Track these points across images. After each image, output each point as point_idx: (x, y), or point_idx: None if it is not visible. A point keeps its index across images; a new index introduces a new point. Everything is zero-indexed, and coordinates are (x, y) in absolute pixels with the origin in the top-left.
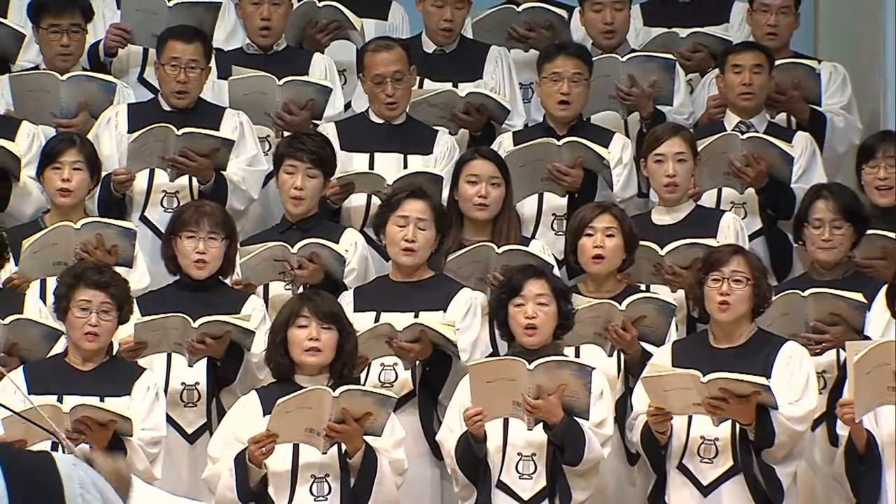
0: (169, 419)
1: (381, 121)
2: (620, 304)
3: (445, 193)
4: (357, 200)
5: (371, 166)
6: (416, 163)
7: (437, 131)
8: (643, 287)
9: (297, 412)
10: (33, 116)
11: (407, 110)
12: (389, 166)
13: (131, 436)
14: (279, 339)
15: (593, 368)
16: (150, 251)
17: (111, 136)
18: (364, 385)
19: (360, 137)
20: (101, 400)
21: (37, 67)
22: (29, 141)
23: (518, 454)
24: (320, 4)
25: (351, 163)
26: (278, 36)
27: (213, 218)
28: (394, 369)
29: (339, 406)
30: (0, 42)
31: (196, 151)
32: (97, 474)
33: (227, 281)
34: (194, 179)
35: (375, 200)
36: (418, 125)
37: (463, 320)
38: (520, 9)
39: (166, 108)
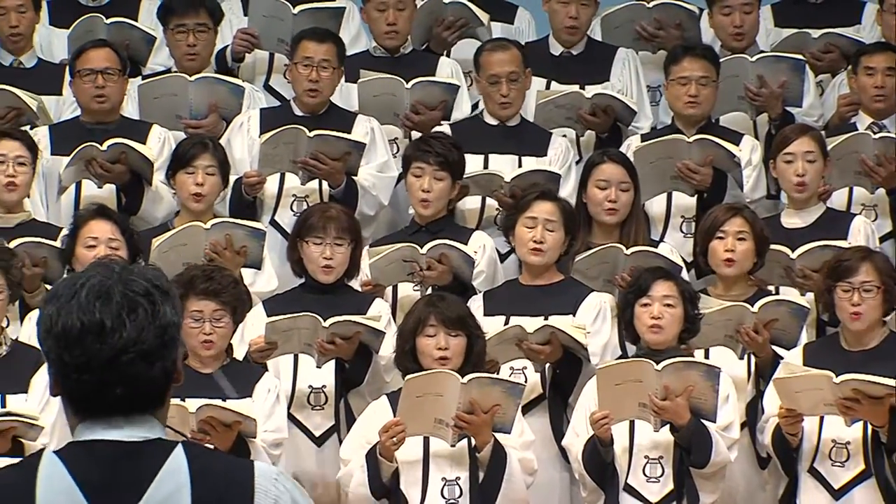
0: (296, 422)
1: (495, 122)
2: (751, 306)
3: (563, 193)
4: (471, 203)
5: (485, 168)
6: (531, 164)
7: (551, 133)
8: (773, 290)
9: (426, 399)
10: (161, 122)
11: (524, 112)
12: (504, 167)
13: (255, 437)
14: (408, 346)
15: (721, 370)
16: (280, 254)
17: (243, 141)
18: None
19: (474, 139)
20: (223, 402)
21: (168, 70)
22: (160, 145)
23: (645, 457)
24: (447, 1)
25: (466, 163)
26: (404, 38)
27: (339, 222)
28: (523, 373)
29: (468, 396)
30: (131, 45)
31: (327, 154)
32: (301, 492)
33: (353, 283)
34: (324, 183)
35: (490, 202)
36: (533, 127)
37: (593, 324)
38: (650, 5)
39: (298, 112)
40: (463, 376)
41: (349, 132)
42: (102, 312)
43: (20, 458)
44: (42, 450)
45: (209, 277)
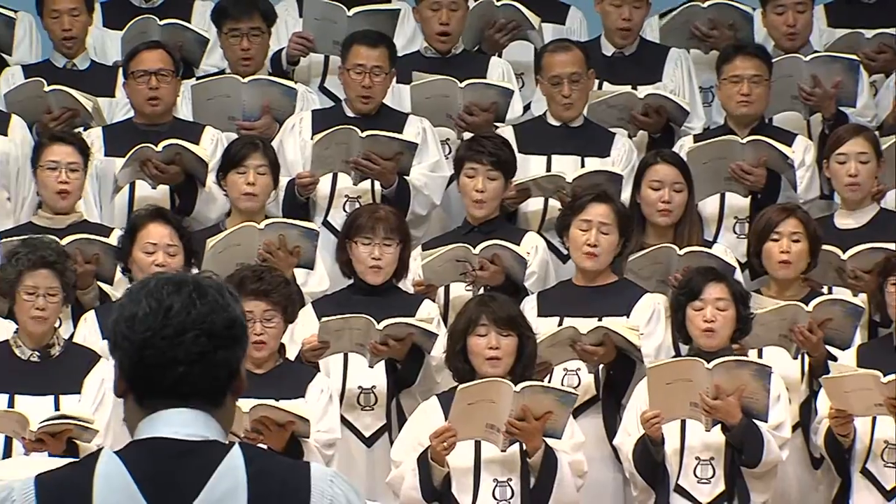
0: (346, 422)
1: (558, 123)
2: (805, 306)
3: (625, 195)
4: (534, 204)
5: (548, 169)
6: (594, 165)
7: (614, 134)
8: (826, 291)
9: (478, 405)
10: (213, 123)
11: (584, 113)
12: (567, 169)
13: (308, 437)
14: (458, 346)
15: (772, 369)
16: (333, 254)
17: (295, 142)
18: None
19: (537, 140)
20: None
21: (221, 72)
22: (213, 146)
23: (696, 458)
24: (498, 4)
25: (528, 165)
26: (456, 40)
27: (388, 223)
28: (577, 374)
29: (520, 403)
30: (184, 46)
31: (379, 155)
32: (357, 493)
33: (401, 284)
34: (377, 184)
35: (552, 204)
36: (596, 128)
37: (647, 325)
38: (705, 5)
39: (350, 114)
40: (514, 377)
41: (401, 133)
42: (171, 297)
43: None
44: (101, 448)
45: (259, 278)
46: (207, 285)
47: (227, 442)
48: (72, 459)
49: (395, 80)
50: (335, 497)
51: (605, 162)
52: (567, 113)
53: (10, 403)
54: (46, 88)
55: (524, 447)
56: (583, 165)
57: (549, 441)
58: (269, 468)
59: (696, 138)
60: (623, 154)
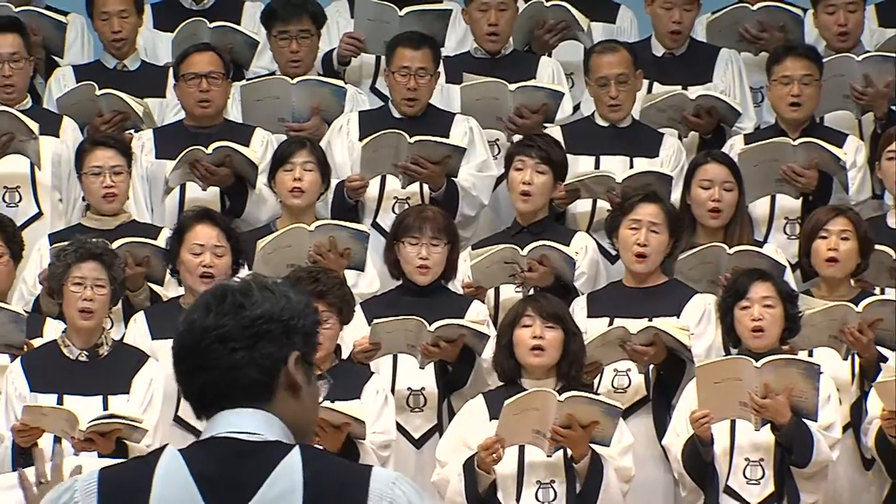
0: (395, 424)
1: (606, 124)
2: (855, 306)
3: (674, 195)
4: (582, 206)
5: (597, 169)
6: (643, 165)
7: (662, 134)
8: (878, 292)
9: (523, 414)
10: (263, 125)
11: (633, 113)
12: (615, 169)
13: (364, 439)
14: (505, 341)
15: (821, 368)
16: (382, 256)
17: (342, 144)
18: (597, 391)
19: (585, 140)
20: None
21: (271, 74)
22: (263, 148)
23: (745, 459)
24: (548, 4)
25: (577, 165)
26: (506, 40)
27: (435, 223)
28: (627, 375)
29: (565, 411)
30: (234, 48)
31: (427, 159)
32: (420, 494)
33: (450, 285)
34: (425, 186)
35: (601, 205)
36: (644, 128)
37: (697, 326)
38: (754, 8)
39: (396, 115)
40: (559, 375)
41: (447, 133)
42: (198, 309)
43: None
44: (166, 445)
45: (315, 279)
46: (231, 290)
47: (289, 441)
48: (120, 460)
49: (444, 80)
50: (395, 499)
51: (653, 162)
52: (614, 114)
53: (59, 403)
54: (98, 92)
55: (570, 453)
56: (631, 166)
57: (596, 447)
58: (328, 470)
59: (747, 139)
60: (672, 154)
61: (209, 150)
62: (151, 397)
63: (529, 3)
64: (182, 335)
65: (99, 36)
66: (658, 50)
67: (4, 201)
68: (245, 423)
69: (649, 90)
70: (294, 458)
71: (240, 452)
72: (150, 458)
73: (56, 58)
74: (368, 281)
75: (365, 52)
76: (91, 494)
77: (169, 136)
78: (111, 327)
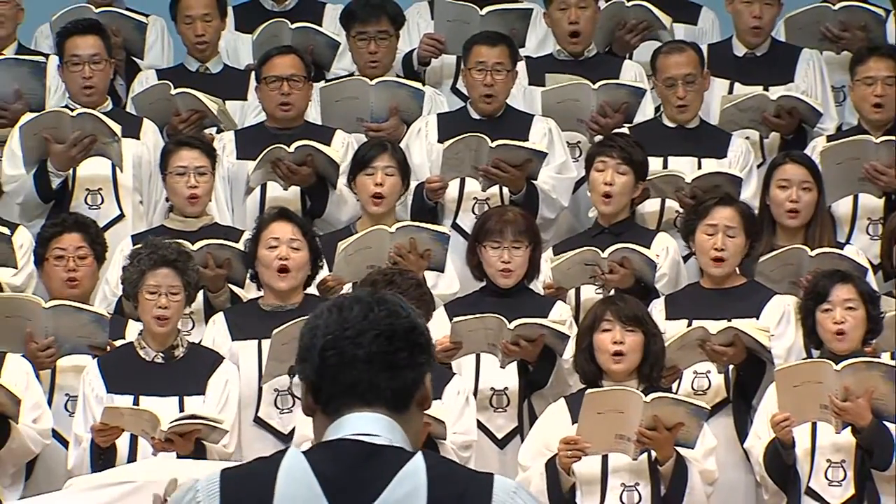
0: (478, 424)
1: (673, 125)
2: None
3: (743, 195)
4: (650, 205)
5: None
6: (711, 166)
7: (730, 135)
8: None
9: (607, 416)
10: (342, 125)
11: (705, 114)
12: (683, 170)
13: (444, 439)
14: (585, 344)
15: None
16: (462, 257)
17: (421, 146)
18: (677, 393)
19: (653, 141)
20: None
21: (350, 75)
22: (343, 149)
23: (827, 460)
24: (629, 4)
25: None
26: (587, 41)
27: (517, 226)
28: (707, 377)
29: (650, 412)
30: (315, 50)
31: (508, 162)
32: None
33: (533, 286)
34: (505, 188)
35: (670, 205)
36: (712, 129)
37: (777, 327)
38: (835, 7)
39: (475, 116)
40: (640, 377)
41: (526, 134)
42: (351, 305)
43: (201, 458)
44: (289, 447)
45: (390, 281)
46: (389, 298)
47: (409, 447)
48: (199, 461)
49: (526, 82)
50: None
51: (721, 163)
52: (682, 115)
53: (135, 404)
54: (173, 91)
55: (654, 455)
56: (699, 167)
57: (680, 449)
58: (450, 475)
59: (830, 139)
60: (740, 155)
61: (291, 149)
62: (227, 398)
63: (610, 2)
64: (333, 326)
65: (182, 39)
66: (739, 50)
67: (87, 203)
68: (372, 427)
69: (730, 91)
70: (417, 463)
71: (364, 454)
72: (272, 458)
73: (136, 59)
74: (448, 282)
75: (445, 52)
76: (213, 495)
77: (250, 137)
78: (192, 328)
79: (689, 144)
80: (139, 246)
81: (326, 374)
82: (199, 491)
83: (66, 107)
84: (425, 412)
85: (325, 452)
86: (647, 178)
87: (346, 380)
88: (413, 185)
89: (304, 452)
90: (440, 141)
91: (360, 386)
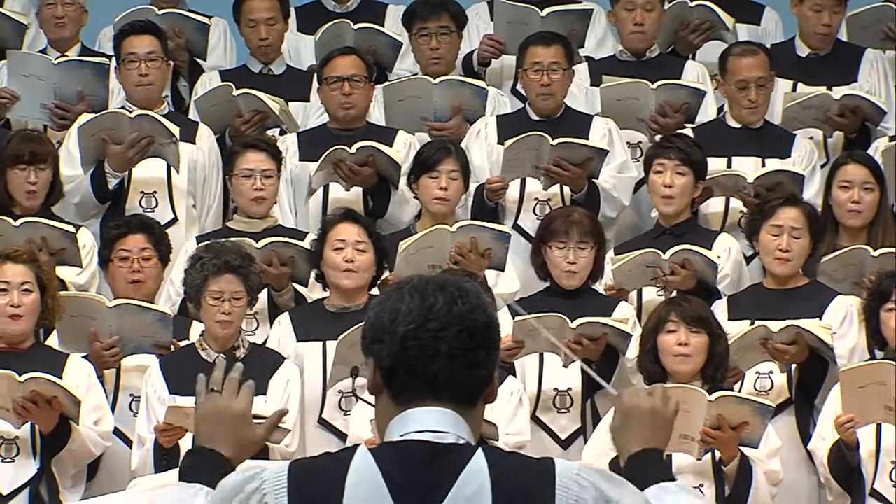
0: (542, 424)
1: (738, 125)
2: None
3: (806, 195)
4: (714, 206)
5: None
6: (775, 166)
7: (794, 135)
8: None
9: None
10: (405, 125)
11: (775, 113)
12: (747, 170)
13: (497, 440)
14: (649, 345)
15: None
16: (522, 257)
17: (481, 147)
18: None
19: (717, 142)
20: None
21: (413, 76)
22: (406, 150)
23: (891, 462)
24: (692, 4)
25: (709, 166)
26: (651, 39)
27: (582, 226)
28: (769, 377)
29: (715, 411)
30: (377, 50)
31: (570, 161)
32: (606, 476)
33: (598, 287)
34: (566, 188)
35: (734, 205)
36: (776, 129)
37: (840, 327)
38: None
39: (534, 117)
40: (704, 378)
41: (586, 134)
42: (435, 294)
43: (264, 459)
44: (357, 445)
45: None
46: (469, 287)
47: (473, 444)
48: (262, 460)
49: (587, 83)
50: (581, 494)
51: (785, 163)
52: (752, 117)
53: None
54: (235, 92)
55: (718, 455)
56: (763, 166)
57: (745, 449)
58: (513, 468)
59: (892, 138)
60: (804, 155)
61: (353, 150)
62: (288, 398)
63: (674, 2)
64: (416, 315)
65: (245, 42)
66: (802, 50)
67: (141, 206)
68: (440, 423)
69: (793, 90)
70: (479, 460)
71: (429, 455)
72: (341, 457)
73: (199, 61)
74: (508, 281)
75: (505, 54)
76: (281, 489)
77: (312, 138)
78: (256, 328)
79: (754, 144)
80: (201, 247)
81: (404, 363)
82: (266, 482)
83: (124, 108)
84: None
85: (391, 452)
86: (710, 176)
87: (424, 373)
88: (473, 186)
89: (371, 451)
90: (500, 142)
91: (438, 381)
